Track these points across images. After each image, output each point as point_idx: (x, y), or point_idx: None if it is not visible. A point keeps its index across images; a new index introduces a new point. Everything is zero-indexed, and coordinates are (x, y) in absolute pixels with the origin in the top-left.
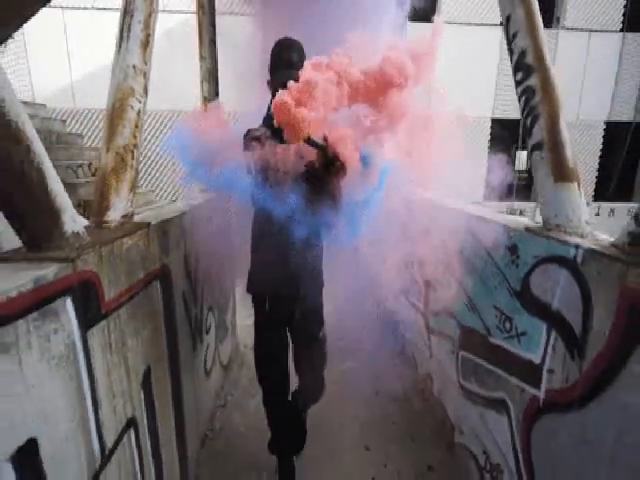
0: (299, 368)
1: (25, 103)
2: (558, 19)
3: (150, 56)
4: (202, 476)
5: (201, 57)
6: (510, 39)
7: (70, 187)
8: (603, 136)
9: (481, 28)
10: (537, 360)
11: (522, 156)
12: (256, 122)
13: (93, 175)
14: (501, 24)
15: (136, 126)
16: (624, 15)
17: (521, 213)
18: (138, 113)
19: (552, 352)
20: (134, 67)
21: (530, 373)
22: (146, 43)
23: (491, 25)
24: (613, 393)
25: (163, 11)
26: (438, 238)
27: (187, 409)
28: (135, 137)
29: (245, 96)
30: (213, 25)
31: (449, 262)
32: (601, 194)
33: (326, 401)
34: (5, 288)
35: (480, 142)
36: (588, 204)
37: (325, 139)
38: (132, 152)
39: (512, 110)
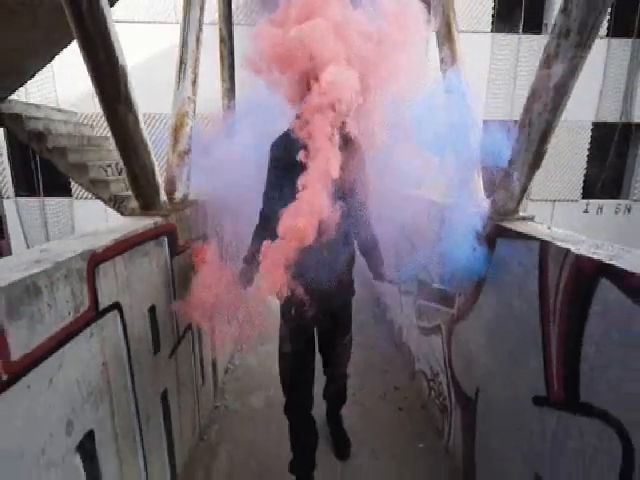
0: (326, 371)
1: (59, 110)
2: (546, 25)
3: (196, 89)
4: (227, 390)
5: (222, 79)
6: (443, 74)
7: (103, 184)
8: (591, 136)
9: (472, 35)
10: (453, 291)
11: None
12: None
13: (119, 174)
14: (491, 31)
15: (189, 137)
16: (609, 22)
17: None
18: (190, 128)
19: (458, 283)
20: (188, 98)
21: (451, 301)
22: (194, 81)
23: (482, 32)
24: (483, 302)
25: (177, 23)
26: (405, 219)
27: (217, 343)
28: (188, 144)
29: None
30: (232, 54)
31: (412, 235)
32: (589, 192)
33: None
34: (142, 224)
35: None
36: (577, 201)
37: None
38: (187, 154)
39: (503, 112)
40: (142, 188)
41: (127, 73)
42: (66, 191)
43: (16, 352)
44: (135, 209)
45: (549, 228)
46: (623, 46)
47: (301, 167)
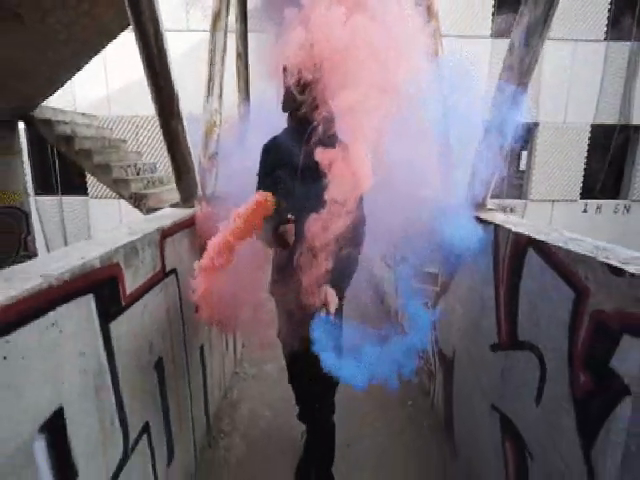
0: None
1: (83, 115)
2: None
3: (222, 103)
4: (245, 360)
5: (239, 90)
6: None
7: (124, 183)
8: (589, 137)
9: (472, 40)
10: (437, 271)
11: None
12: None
13: (138, 174)
14: (491, 36)
15: (216, 142)
16: (607, 26)
17: (512, 210)
18: (217, 135)
19: (441, 265)
20: (215, 110)
21: (435, 280)
22: (220, 95)
23: (481, 37)
24: (457, 279)
25: (188, 30)
26: (401, 215)
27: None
28: (216, 149)
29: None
30: (247, 69)
31: (407, 229)
32: (588, 192)
33: None
34: (187, 213)
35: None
36: (576, 201)
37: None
38: (215, 157)
39: None
40: (185, 184)
41: (179, 97)
42: (82, 190)
43: (127, 289)
44: (178, 202)
45: (506, 216)
46: (621, 49)
47: (303, 164)
